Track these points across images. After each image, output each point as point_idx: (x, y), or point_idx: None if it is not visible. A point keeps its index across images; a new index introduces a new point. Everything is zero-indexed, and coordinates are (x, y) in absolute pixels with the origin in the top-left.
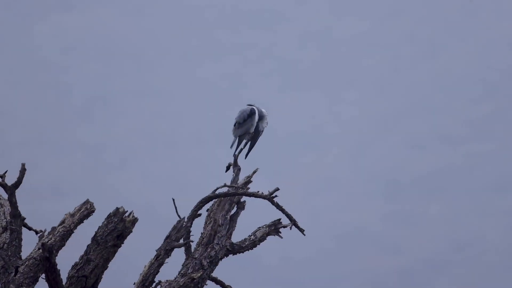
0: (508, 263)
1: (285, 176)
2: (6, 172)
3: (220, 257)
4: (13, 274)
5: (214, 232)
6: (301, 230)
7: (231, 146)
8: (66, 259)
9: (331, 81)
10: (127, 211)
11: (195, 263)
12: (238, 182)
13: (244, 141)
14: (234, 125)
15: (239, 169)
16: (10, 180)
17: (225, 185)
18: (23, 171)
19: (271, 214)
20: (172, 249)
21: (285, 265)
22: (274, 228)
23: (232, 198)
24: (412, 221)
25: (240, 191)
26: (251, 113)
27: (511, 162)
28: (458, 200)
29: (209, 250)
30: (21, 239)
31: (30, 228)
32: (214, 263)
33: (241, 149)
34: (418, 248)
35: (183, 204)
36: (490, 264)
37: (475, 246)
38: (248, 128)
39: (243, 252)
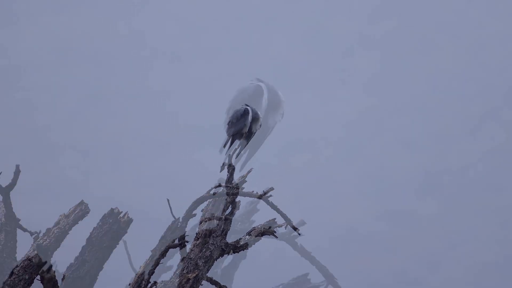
0: (502, 263)
1: (278, 176)
2: (0, 173)
3: (215, 257)
4: (9, 275)
5: (209, 232)
6: (296, 230)
7: (224, 145)
8: (60, 260)
9: (323, 80)
10: (121, 212)
11: (190, 263)
12: (233, 181)
13: (237, 141)
14: (228, 124)
15: (234, 169)
16: (3, 182)
17: (219, 185)
18: (17, 172)
19: (265, 214)
20: (167, 250)
21: (279, 264)
22: (269, 228)
23: (226, 198)
24: (407, 221)
25: (234, 191)
26: (245, 112)
27: (507, 162)
28: (454, 199)
29: (204, 250)
30: (16, 241)
31: (24, 230)
32: (209, 263)
33: (235, 149)
34: (413, 247)
35: (177, 205)
36: (485, 264)
37: (470, 246)
38: (241, 127)
39: (238, 252)
